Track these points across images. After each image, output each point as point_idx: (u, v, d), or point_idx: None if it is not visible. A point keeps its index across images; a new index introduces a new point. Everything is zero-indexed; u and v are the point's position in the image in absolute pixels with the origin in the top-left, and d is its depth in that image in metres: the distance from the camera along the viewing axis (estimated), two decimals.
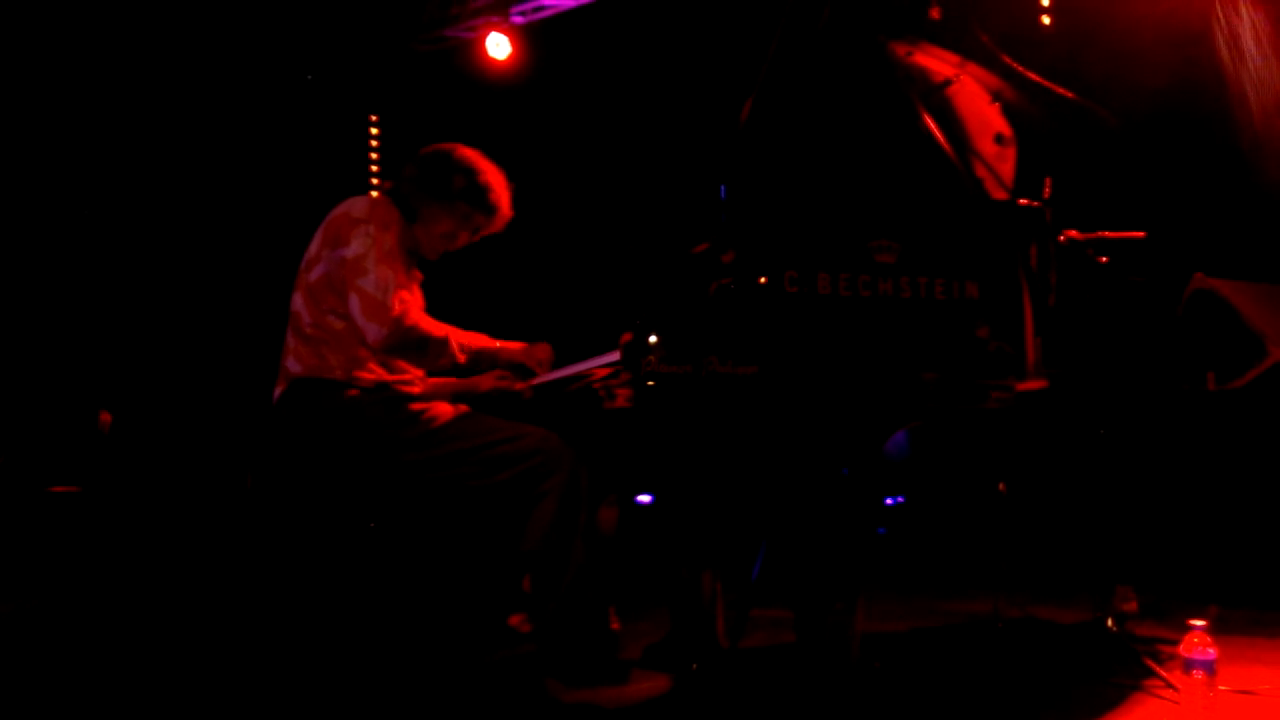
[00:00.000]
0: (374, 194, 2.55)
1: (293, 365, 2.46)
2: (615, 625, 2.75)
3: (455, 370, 2.58)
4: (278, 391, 2.48)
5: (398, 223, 2.46)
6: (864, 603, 2.32)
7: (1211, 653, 2.18)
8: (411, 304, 2.41)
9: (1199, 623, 2.19)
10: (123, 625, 3.48)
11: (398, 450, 2.32)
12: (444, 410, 2.40)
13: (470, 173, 2.53)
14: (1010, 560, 3.20)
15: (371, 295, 2.31)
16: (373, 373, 2.42)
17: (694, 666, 2.49)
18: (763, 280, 2.00)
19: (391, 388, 2.42)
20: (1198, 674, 2.18)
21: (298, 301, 2.50)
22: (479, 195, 2.54)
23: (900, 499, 4.27)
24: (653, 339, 1.99)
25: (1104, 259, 2.67)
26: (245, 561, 3.39)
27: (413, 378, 2.51)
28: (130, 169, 5.01)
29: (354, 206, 2.47)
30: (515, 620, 2.74)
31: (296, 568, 2.59)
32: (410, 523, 2.40)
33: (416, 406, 2.39)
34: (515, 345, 2.62)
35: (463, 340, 2.51)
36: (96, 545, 4.01)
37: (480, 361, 2.55)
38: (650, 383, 1.94)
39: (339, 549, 2.46)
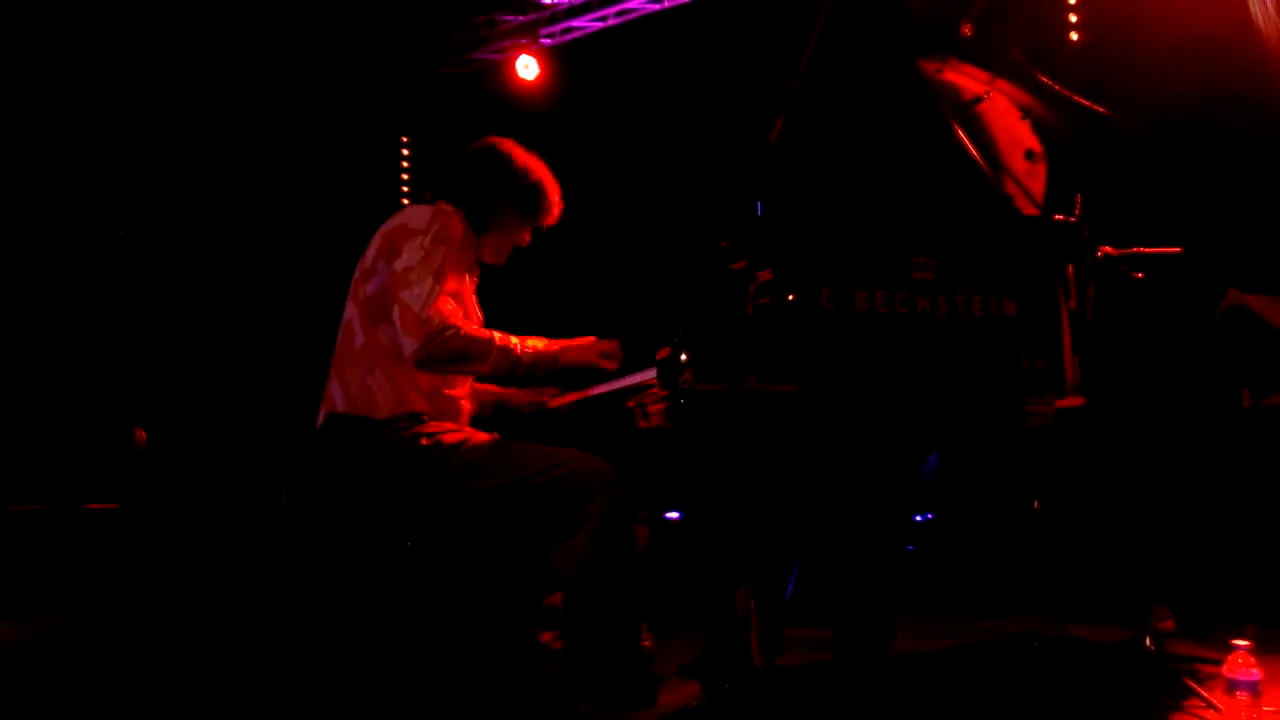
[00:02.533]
0: (444, 205, 2.48)
1: (336, 394, 2.41)
2: (648, 643, 2.74)
3: (515, 381, 2.52)
4: (320, 417, 2.45)
5: (459, 237, 2.42)
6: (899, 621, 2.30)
7: (1256, 673, 2.16)
8: (453, 313, 2.32)
9: (1242, 643, 2.17)
10: (160, 640, 3.51)
11: (436, 489, 2.30)
12: (482, 441, 2.35)
13: (536, 178, 2.54)
14: (1045, 579, 3.16)
15: (410, 308, 2.27)
16: (416, 404, 2.37)
17: (727, 685, 2.48)
18: (796, 297, 2.00)
19: (430, 420, 2.37)
20: (1242, 695, 2.15)
21: (350, 312, 2.45)
22: (542, 198, 2.55)
23: (930, 516, 4.24)
24: (683, 357, 1.99)
25: (1140, 275, 2.65)
26: (279, 578, 3.42)
27: (459, 406, 2.48)
28: (168, 189, 5.10)
29: (413, 217, 2.42)
30: (546, 638, 2.74)
31: (330, 584, 2.61)
32: (444, 542, 2.40)
33: (453, 439, 2.34)
34: (576, 343, 2.47)
35: (516, 343, 2.38)
36: (134, 561, 4.06)
37: (540, 368, 2.43)
38: (683, 401, 1.94)
39: (373, 566, 2.46)
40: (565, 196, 2.64)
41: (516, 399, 2.72)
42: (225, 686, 2.88)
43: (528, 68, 5.19)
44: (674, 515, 2.85)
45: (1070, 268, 2.34)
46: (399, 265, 2.33)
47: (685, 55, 4.86)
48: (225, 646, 3.35)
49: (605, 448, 2.36)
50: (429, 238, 2.35)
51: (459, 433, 2.36)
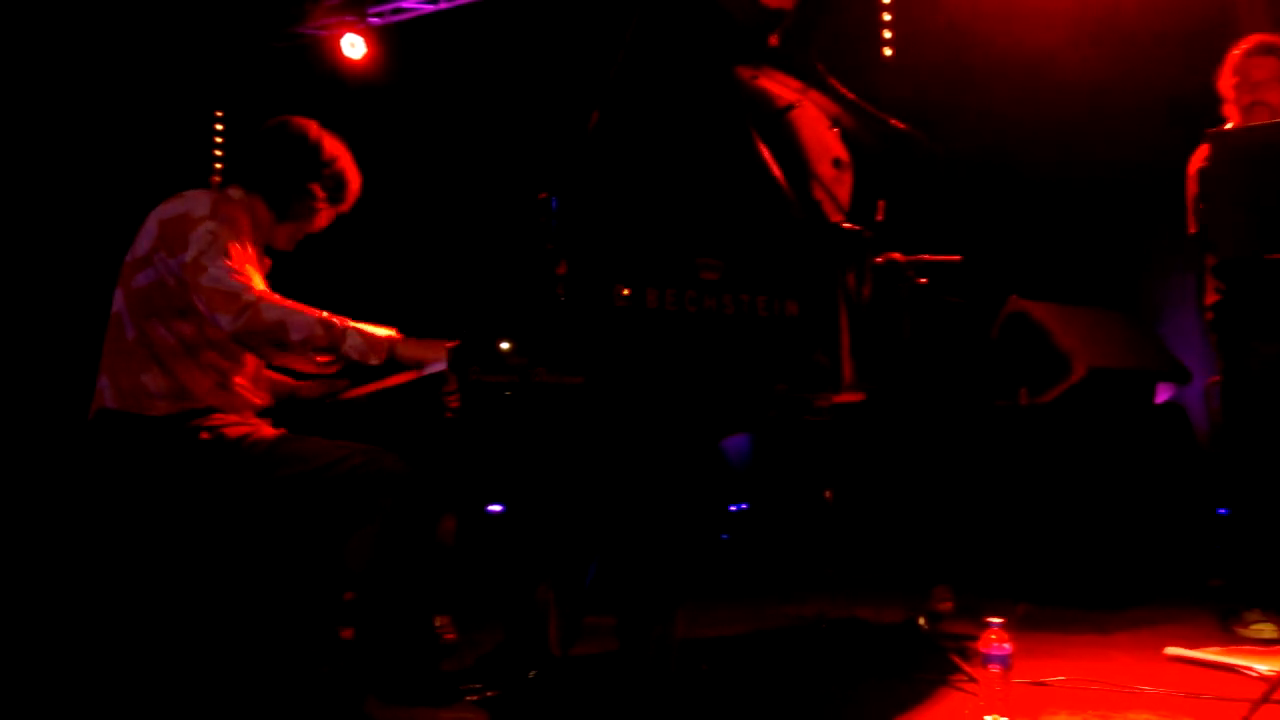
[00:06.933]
0: (232, 191, 2.40)
1: (106, 389, 2.29)
2: (451, 636, 2.74)
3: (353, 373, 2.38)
4: (92, 411, 2.33)
5: (246, 223, 2.34)
6: (695, 607, 2.39)
7: (1006, 648, 2.34)
8: (262, 288, 2.23)
9: (996, 620, 2.35)
10: None
11: (216, 485, 2.23)
12: (266, 435, 2.29)
13: (338, 170, 2.47)
14: (840, 564, 3.35)
15: (213, 288, 2.17)
16: (197, 400, 2.28)
17: (531, 674, 2.51)
18: (589, 292, 2.04)
19: (212, 414, 2.28)
20: (994, 668, 2.33)
21: (119, 303, 2.33)
22: (341, 190, 2.49)
23: (744, 506, 4.41)
24: (474, 348, 1.99)
25: (923, 280, 2.84)
26: (63, 571, 3.20)
27: (247, 400, 2.39)
28: None
29: (194, 205, 2.30)
30: (349, 633, 2.69)
31: (105, 584, 2.47)
32: (228, 539, 2.31)
33: (235, 433, 2.26)
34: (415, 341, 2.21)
35: (338, 321, 2.21)
36: None
37: (369, 354, 2.19)
38: (471, 392, 1.94)
39: (150, 565, 2.35)
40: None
41: (310, 390, 2.65)
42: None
43: (354, 46, 5.05)
44: (496, 508, 2.85)
45: (851, 271, 2.48)
46: (188, 257, 2.22)
47: (516, 42, 4.85)
48: None
49: (412, 440, 2.33)
50: (214, 221, 2.26)
51: (242, 426, 2.29)
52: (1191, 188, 3.24)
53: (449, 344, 2.14)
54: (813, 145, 3.19)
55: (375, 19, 5.15)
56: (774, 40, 3.02)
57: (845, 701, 2.53)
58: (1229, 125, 3.18)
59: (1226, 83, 3.21)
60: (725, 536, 4.42)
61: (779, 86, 3.19)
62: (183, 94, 5.28)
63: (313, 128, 2.46)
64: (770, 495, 4.30)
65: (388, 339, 2.24)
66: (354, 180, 2.51)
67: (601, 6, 4.17)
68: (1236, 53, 3.20)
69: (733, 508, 4.54)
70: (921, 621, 2.93)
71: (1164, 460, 3.92)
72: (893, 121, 3.30)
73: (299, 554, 2.38)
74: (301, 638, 2.50)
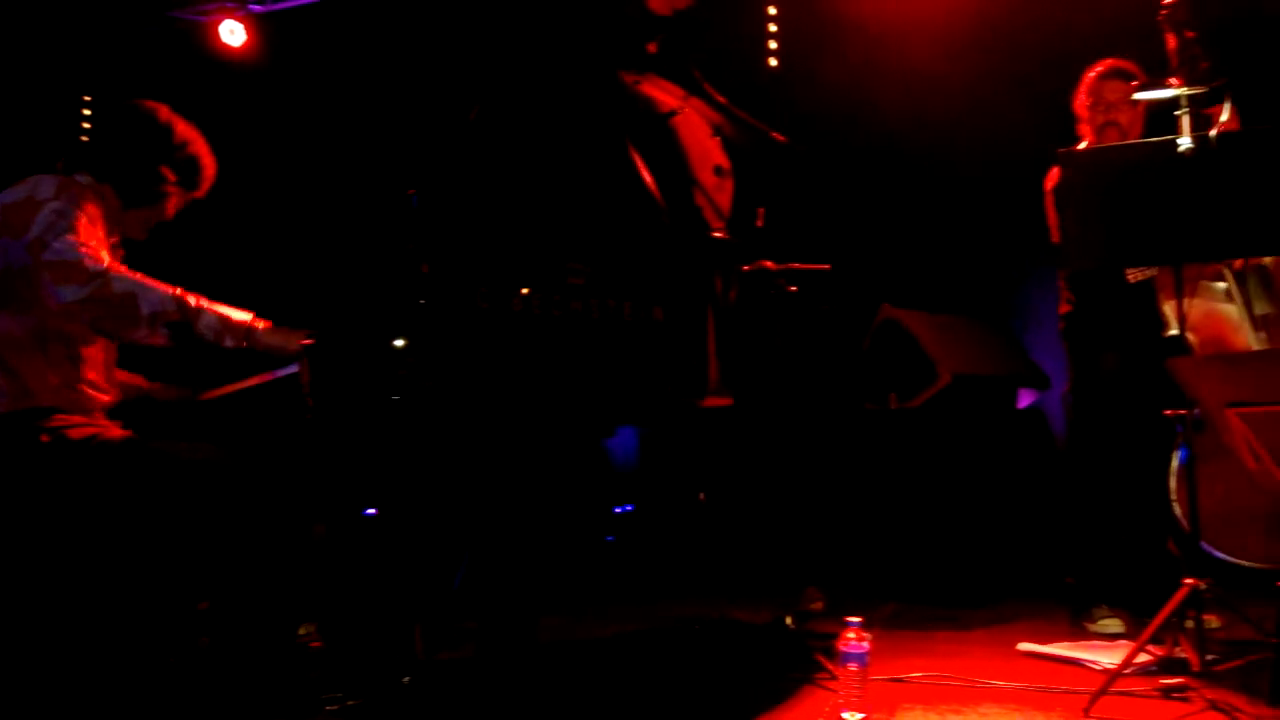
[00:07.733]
0: (80, 177, 2.30)
1: None
2: (317, 644, 2.67)
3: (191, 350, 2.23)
4: None
5: (95, 202, 2.25)
6: (576, 610, 2.38)
7: (864, 646, 2.41)
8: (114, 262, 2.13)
9: (854, 619, 2.42)
10: None
11: (60, 486, 2.13)
12: (113, 438, 2.20)
13: (190, 155, 2.40)
14: (715, 565, 3.40)
15: (58, 260, 2.07)
16: (41, 399, 2.17)
17: (405, 680, 2.47)
18: (451, 294, 2.02)
19: (55, 415, 2.18)
20: (852, 666, 2.40)
21: None
22: (195, 174, 2.42)
23: (629, 508, 4.43)
24: (326, 349, 1.95)
25: (793, 288, 2.90)
26: None
27: (95, 399, 2.29)
28: None
29: (39, 189, 2.21)
30: (207, 641, 2.60)
31: None
32: (80, 543, 2.21)
33: (80, 435, 2.17)
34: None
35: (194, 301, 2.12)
36: None
37: (227, 337, 2.11)
38: (325, 394, 1.90)
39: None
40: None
41: (165, 392, 2.56)
42: None
43: (233, 33, 4.90)
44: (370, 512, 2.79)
45: (719, 278, 2.52)
46: (31, 236, 2.13)
47: (399, 34, 4.78)
48: None
49: (274, 444, 2.27)
50: (60, 201, 2.17)
51: (88, 427, 2.19)
52: (1049, 202, 3.40)
53: (306, 338, 2.08)
54: (694, 152, 3.22)
55: (256, 6, 5.00)
56: (653, 48, 3.05)
57: (710, 701, 2.57)
58: (1083, 144, 3.34)
59: (1081, 103, 3.38)
60: (610, 539, 4.44)
61: (661, 93, 3.22)
62: (48, 78, 5.00)
63: (163, 110, 2.39)
64: (653, 498, 4.33)
65: (245, 324, 2.16)
66: (208, 165, 2.44)
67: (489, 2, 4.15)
68: (1091, 75, 3.36)
69: (618, 510, 4.56)
70: (789, 621, 3.00)
71: (1024, 463, 4.11)
72: (773, 134, 3.36)
73: (149, 560, 2.29)
74: (148, 648, 2.40)
